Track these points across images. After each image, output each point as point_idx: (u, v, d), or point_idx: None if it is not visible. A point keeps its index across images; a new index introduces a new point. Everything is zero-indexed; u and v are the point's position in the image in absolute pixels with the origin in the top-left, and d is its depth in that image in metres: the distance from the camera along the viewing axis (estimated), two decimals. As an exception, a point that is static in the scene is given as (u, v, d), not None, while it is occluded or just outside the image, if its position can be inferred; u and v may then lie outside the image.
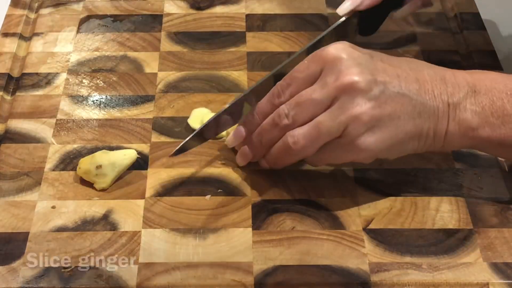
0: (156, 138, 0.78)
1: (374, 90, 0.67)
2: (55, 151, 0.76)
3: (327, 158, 0.70)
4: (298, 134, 0.68)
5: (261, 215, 0.71)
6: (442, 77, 0.69)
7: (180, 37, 0.91)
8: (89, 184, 0.73)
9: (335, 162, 0.71)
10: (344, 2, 0.81)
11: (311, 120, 0.68)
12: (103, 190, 0.72)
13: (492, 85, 0.68)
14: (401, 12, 0.83)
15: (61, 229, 0.69)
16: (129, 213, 0.71)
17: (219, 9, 0.95)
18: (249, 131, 0.72)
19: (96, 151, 0.75)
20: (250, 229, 0.69)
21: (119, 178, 0.73)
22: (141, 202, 0.72)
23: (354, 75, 0.66)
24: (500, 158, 0.75)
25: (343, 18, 0.81)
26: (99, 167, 0.72)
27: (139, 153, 0.75)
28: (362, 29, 0.82)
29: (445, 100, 0.68)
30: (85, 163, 0.73)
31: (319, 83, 0.68)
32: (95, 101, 0.82)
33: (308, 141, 0.68)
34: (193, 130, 0.76)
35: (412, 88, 0.68)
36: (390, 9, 0.83)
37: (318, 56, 0.69)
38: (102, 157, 0.73)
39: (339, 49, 0.68)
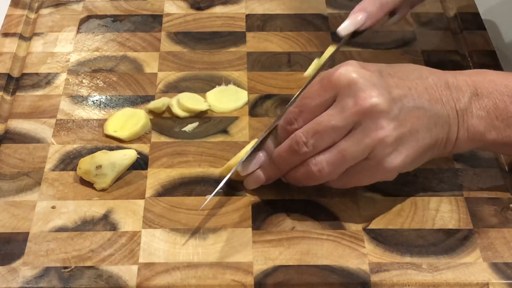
0: (156, 138, 0.78)
1: (394, 109, 0.66)
2: (55, 151, 0.76)
3: (353, 181, 0.69)
4: (321, 162, 0.67)
5: (261, 215, 0.71)
6: (445, 82, 0.69)
7: (180, 37, 0.91)
8: (89, 184, 0.73)
9: (361, 184, 0.70)
10: (345, 22, 0.79)
11: (331, 145, 0.67)
12: (103, 190, 0.72)
13: (492, 87, 0.69)
14: (391, 22, 0.82)
15: (61, 229, 0.69)
16: (129, 213, 0.71)
17: (219, 9, 0.95)
18: (266, 156, 0.71)
19: (96, 151, 0.75)
20: (250, 229, 0.69)
21: (119, 178, 0.73)
22: (141, 202, 0.72)
23: (373, 98, 0.66)
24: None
25: (344, 39, 0.79)
26: (99, 167, 0.72)
27: (139, 153, 0.75)
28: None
29: (453, 106, 0.68)
30: (85, 163, 0.73)
31: (336, 109, 0.67)
32: (95, 101, 0.82)
33: (333, 168, 0.67)
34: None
35: (424, 100, 0.67)
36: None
37: (328, 81, 0.68)
38: (102, 157, 0.73)
39: (350, 72, 0.67)
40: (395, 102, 0.66)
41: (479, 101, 0.68)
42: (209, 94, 0.83)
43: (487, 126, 0.69)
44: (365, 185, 0.70)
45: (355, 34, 0.81)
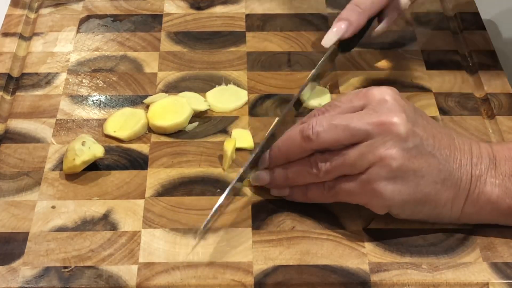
0: (156, 138, 0.78)
1: (410, 141, 0.65)
2: (55, 151, 0.76)
3: (340, 192, 0.68)
4: (323, 162, 0.67)
5: (261, 215, 0.71)
6: (469, 147, 0.68)
7: (180, 37, 0.91)
8: (89, 184, 0.73)
9: (347, 199, 0.69)
10: (327, 34, 0.80)
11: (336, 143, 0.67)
12: (75, 170, 0.73)
13: (510, 154, 0.67)
14: (380, 28, 0.83)
15: (61, 229, 0.69)
16: (129, 213, 0.71)
17: (219, 9, 0.95)
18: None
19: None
20: (250, 229, 0.69)
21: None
22: (141, 202, 0.72)
23: (396, 118, 0.65)
24: None
25: (330, 50, 0.81)
26: (84, 142, 0.73)
27: (139, 152, 0.75)
28: (342, 48, 0.83)
29: (469, 171, 0.66)
30: (72, 144, 0.74)
31: (358, 115, 0.66)
32: (95, 101, 0.82)
33: (330, 169, 0.67)
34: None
35: (443, 153, 0.66)
36: (368, 28, 0.83)
37: (363, 93, 0.68)
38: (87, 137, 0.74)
39: (386, 93, 0.67)
40: (414, 136, 0.65)
41: (495, 169, 0.66)
42: (209, 94, 0.83)
43: (501, 193, 0.66)
44: (352, 203, 0.69)
45: (344, 48, 0.82)
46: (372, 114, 0.66)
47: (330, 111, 0.69)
